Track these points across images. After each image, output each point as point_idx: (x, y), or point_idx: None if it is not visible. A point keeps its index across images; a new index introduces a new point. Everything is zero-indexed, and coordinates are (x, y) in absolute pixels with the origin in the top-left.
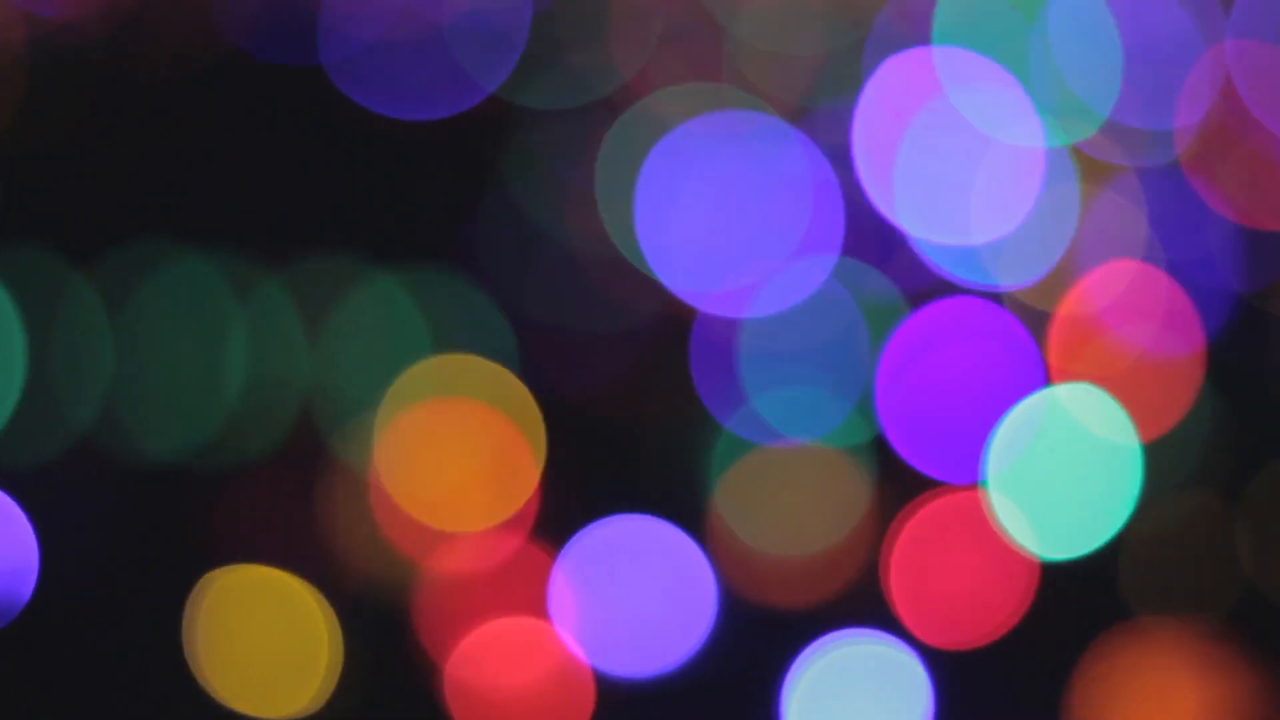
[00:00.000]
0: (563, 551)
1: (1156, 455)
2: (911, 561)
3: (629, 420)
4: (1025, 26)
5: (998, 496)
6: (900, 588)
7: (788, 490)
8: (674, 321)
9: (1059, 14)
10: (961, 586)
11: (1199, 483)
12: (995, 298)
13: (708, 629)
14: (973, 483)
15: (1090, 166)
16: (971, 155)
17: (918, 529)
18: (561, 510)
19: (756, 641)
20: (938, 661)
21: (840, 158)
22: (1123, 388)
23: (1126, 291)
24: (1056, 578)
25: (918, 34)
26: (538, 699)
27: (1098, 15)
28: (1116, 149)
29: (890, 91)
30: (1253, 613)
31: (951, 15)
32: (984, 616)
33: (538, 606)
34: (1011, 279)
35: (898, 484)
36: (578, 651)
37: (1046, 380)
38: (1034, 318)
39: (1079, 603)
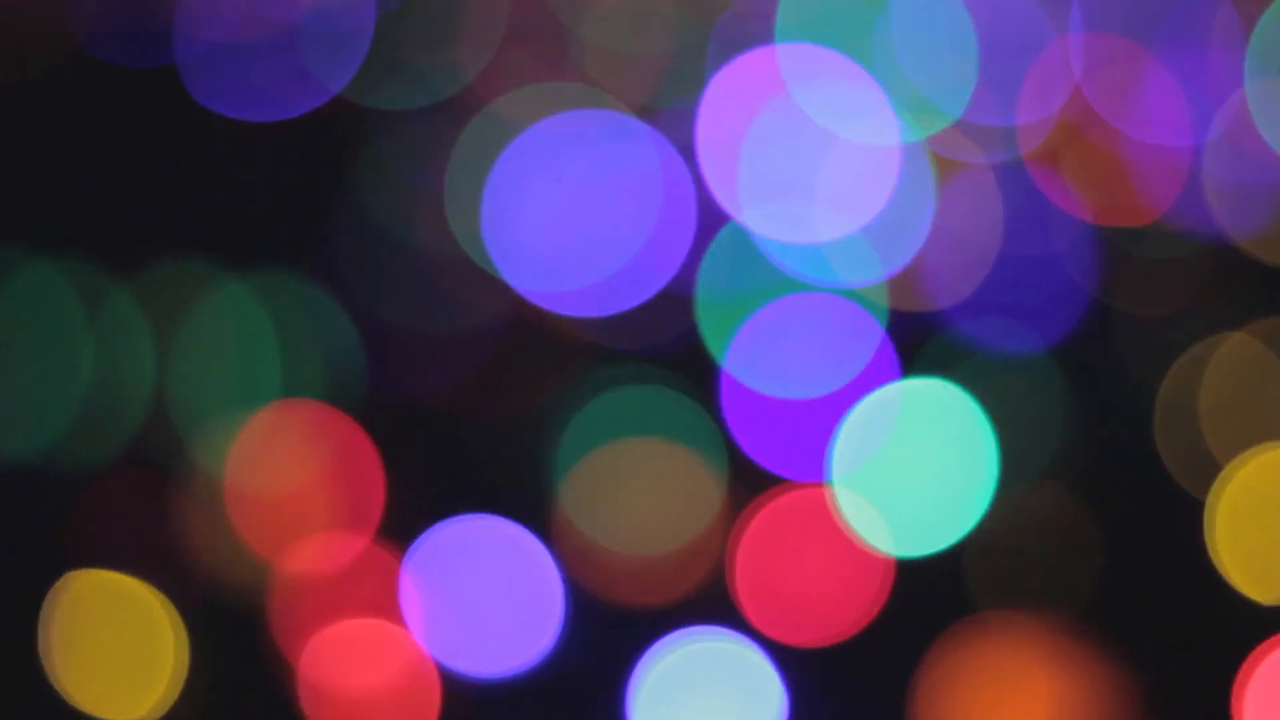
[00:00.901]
0: (409, 552)
1: (1011, 451)
2: (756, 559)
3: (475, 420)
4: (874, 22)
5: (844, 493)
6: (745, 586)
7: (634, 489)
8: (520, 321)
9: (909, 9)
10: (810, 584)
11: (1053, 478)
12: (844, 294)
13: (555, 629)
14: (820, 480)
15: (942, 163)
16: (818, 153)
17: (762, 527)
18: (408, 511)
19: (605, 641)
20: (791, 659)
21: (690, 155)
22: (976, 383)
23: (984, 287)
24: (911, 574)
25: (765, 31)
26: (386, 700)
27: (948, 10)
28: (967, 145)
29: (735, 89)
30: (1106, 608)
31: (798, 11)
32: (835, 614)
33: (385, 607)
34: (861, 275)
35: (745, 482)
36: (425, 652)
37: (896, 376)
38: (884, 314)
39: (934, 599)
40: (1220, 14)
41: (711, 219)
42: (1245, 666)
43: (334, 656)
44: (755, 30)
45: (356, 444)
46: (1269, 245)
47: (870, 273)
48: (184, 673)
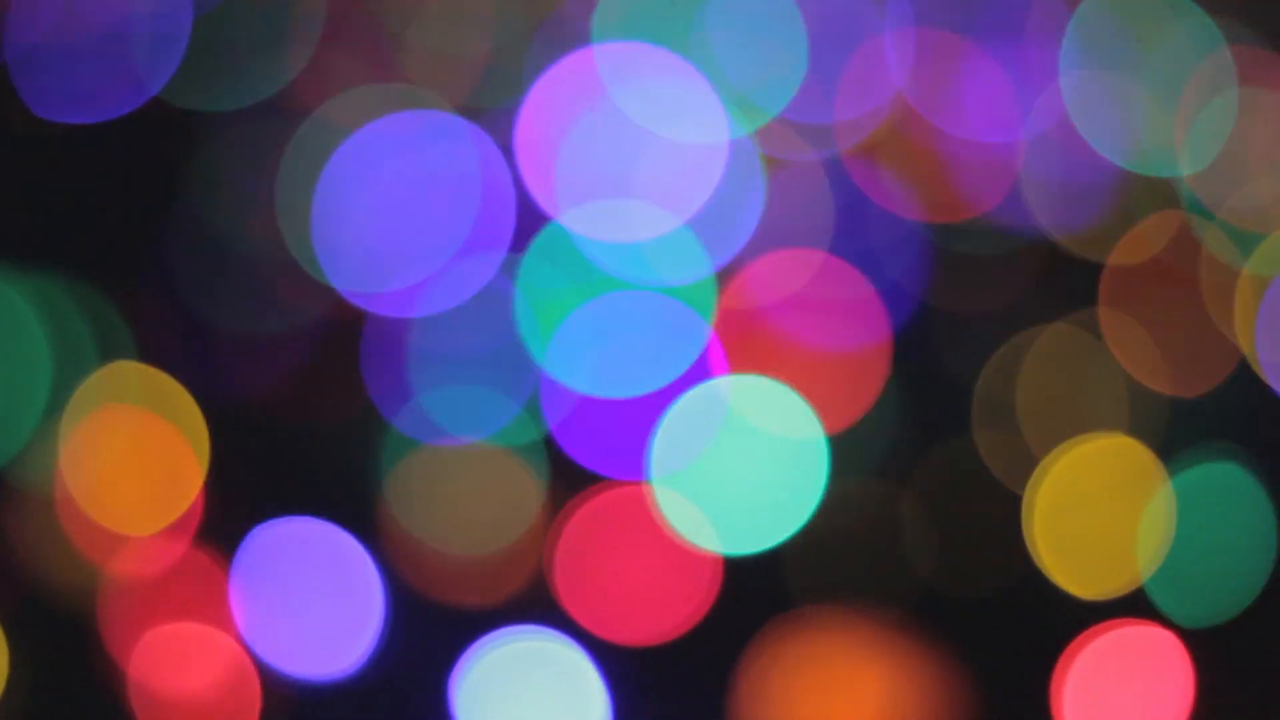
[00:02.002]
0: (231, 554)
1: (842, 448)
2: (576, 558)
3: (298, 421)
4: (697, 19)
5: (664, 491)
6: (566, 585)
7: (458, 489)
8: (342, 322)
9: (732, 6)
10: (631, 582)
11: (884, 475)
12: (666, 292)
13: (377, 630)
14: (642, 478)
15: (770, 160)
16: (640, 151)
17: (581, 526)
18: (230, 513)
19: (429, 641)
20: (614, 657)
21: (512, 154)
22: (804, 380)
23: (809, 284)
24: (741, 572)
25: (587, 30)
26: (206, 703)
27: (771, 7)
28: (792, 142)
29: (556, 89)
30: (929, 603)
31: (620, 10)
32: (658, 612)
33: (207, 610)
34: (684, 273)
35: (567, 481)
36: (246, 655)
37: (720, 374)
38: (708, 311)
39: (761, 596)
40: (1037, 10)
41: (532, 219)
42: (1063, 660)
43: (155, 660)
44: (578, 29)
45: (174, 447)
46: (1086, 241)
47: (694, 271)
48: (4, 675)
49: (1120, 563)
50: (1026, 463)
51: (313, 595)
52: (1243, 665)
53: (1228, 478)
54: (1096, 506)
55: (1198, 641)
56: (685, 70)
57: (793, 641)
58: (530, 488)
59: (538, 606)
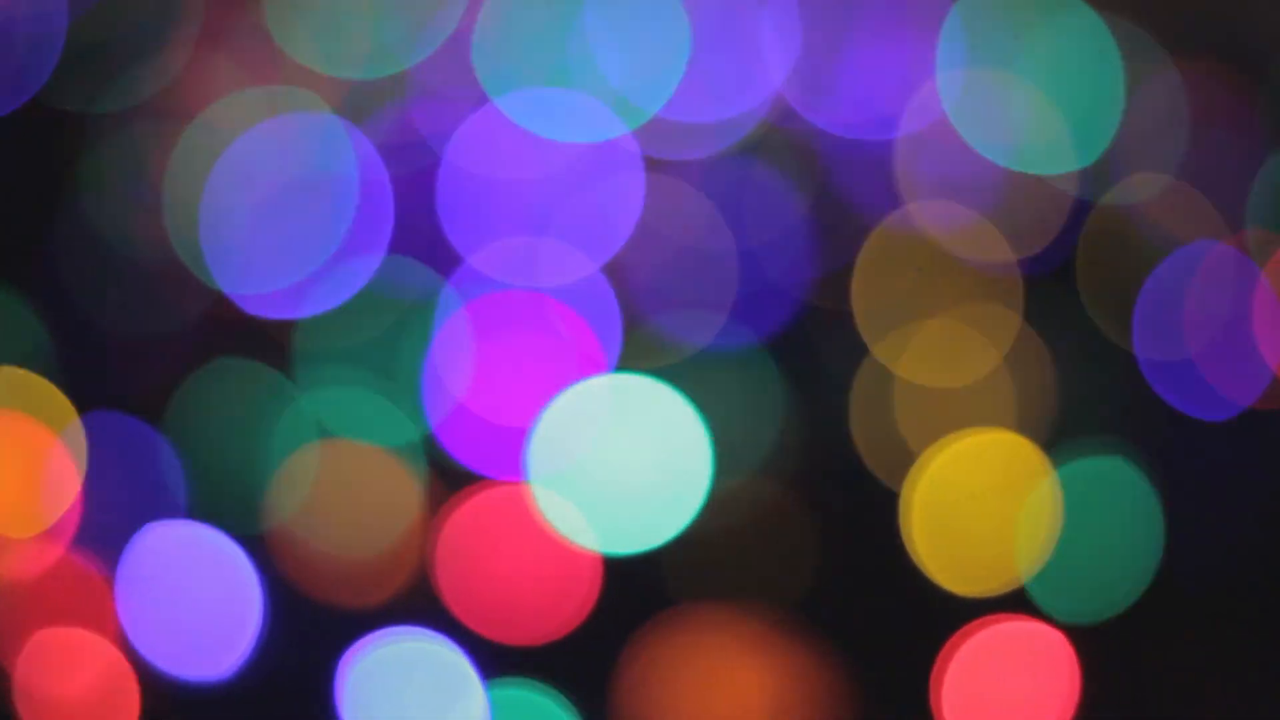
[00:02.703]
0: (110, 557)
1: (724, 446)
2: (457, 558)
3: (181, 422)
4: (579, 20)
5: (544, 491)
6: (448, 584)
7: (338, 489)
8: (223, 323)
9: (610, 6)
10: (514, 582)
11: (762, 474)
12: (546, 292)
13: (256, 632)
14: (522, 478)
15: (650, 159)
16: (519, 152)
17: (462, 525)
18: (109, 516)
19: (311, 642)
20: (496, 657)
21: (391, 156)
22: (687, 378)
23: (688, 282)
24: (622, 571)
25: (468, 31)
26: (84, 706)
27: (649, 7)
28: (675, 142)
29: (437, 90)
30: (816, 603)
31: (501, 10)
32: (542, 612)
33: (86, 612)
34: (567, 273)
35: (448, 481)
36: (124, 657)
37: (600, 373)
38: (593, 310)
39: (647, 595)
40: (916, 8)
41: (413, 220)
42: (941, 656)
43: (35, 663)
44: (459, 31)
45: (50, 450)
46: (964, 237)
47: (576, 270)
48: None
49: (1001, 560)
50: (905, 460)
51: (191, 597)
52: (1128, 661)
53: (1113, 474)
54: (976, 503)
55: (1082, 638)
56: (566, 71)
57: (674, 640)
58: (411, 488)
59: (420, 607)
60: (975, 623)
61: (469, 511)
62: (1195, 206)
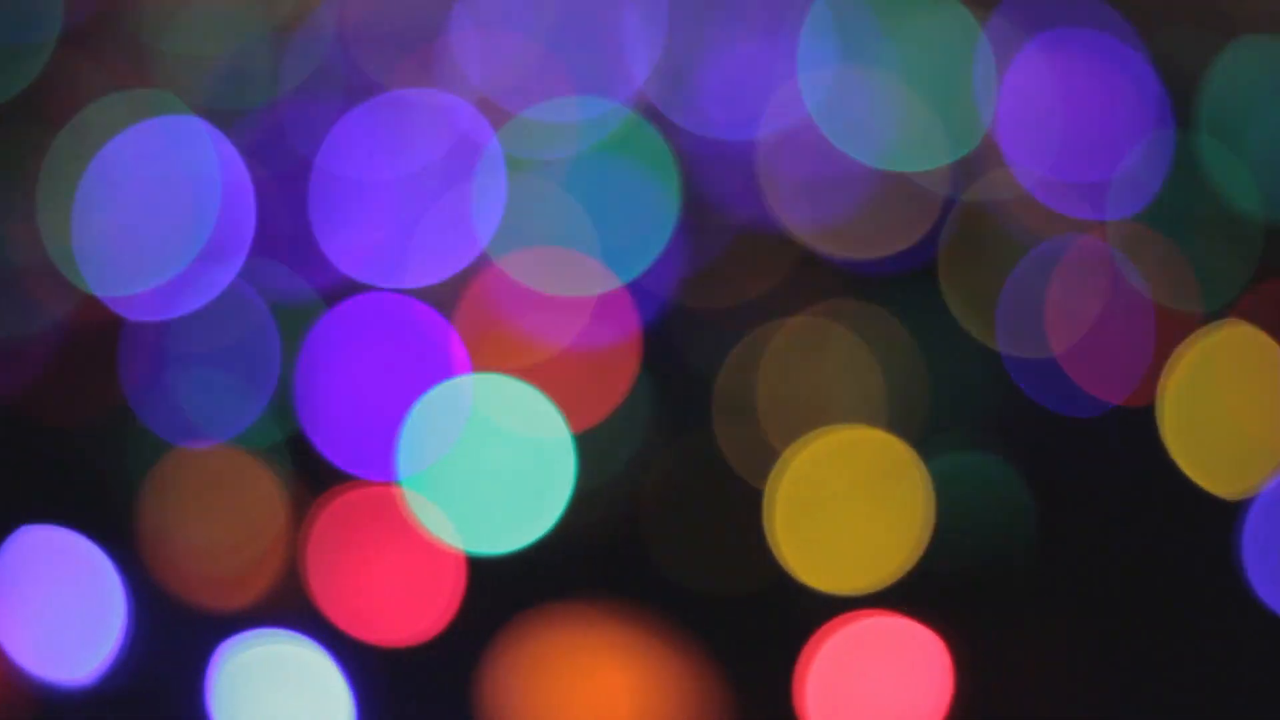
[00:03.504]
0: None
1: (591, 445)
2: (326, 559)
3: (44, 425)
4: (443, 21)
5: (413, 491)
6: (317, 585)
7: (206, 491)
8: (89, 325)
9: (473, 6)
10: (382, 582)
11: (630, 472)
12: (411, 293)
13: (121, 635)
14: (392, 478)
15: (513, 159)
16: (388, 153)
17: (330, 526)
18: None
19: (177, 643)
20: (366, 658)
21: (257, 158)
22: (550, 378)
23: (554, 283)
24: (490, 571)
25: (340, 32)
26: None
27: (516, 6)
28: (538, 141)
29: (308, 92)
30: (681, 601)
31: (368, 11)
32: (409, 612)
33: None
34: (429, 274)
35: (317, 482)
36: None
37: (465, 374)
38: (455, 311)
39: (513, 595)
40: (779, 7)
41: (279, 222)
42: (805, 653)
43: None
44: (324, 33)
45: None
46: (832, 236)
47: (440, 270)
48: None
49: (868, 556)
50: (770, 458)
51: (57, 600)
52: (999, 657)
53: (983, 470)
54: (840, 500)
55: (953, 633)
56: (432, 72)
57: (540, 640)
58: (279, 488)
59: (291, 607)
60: (839, 619)
61: (337, 512)
62: (1060, 201)
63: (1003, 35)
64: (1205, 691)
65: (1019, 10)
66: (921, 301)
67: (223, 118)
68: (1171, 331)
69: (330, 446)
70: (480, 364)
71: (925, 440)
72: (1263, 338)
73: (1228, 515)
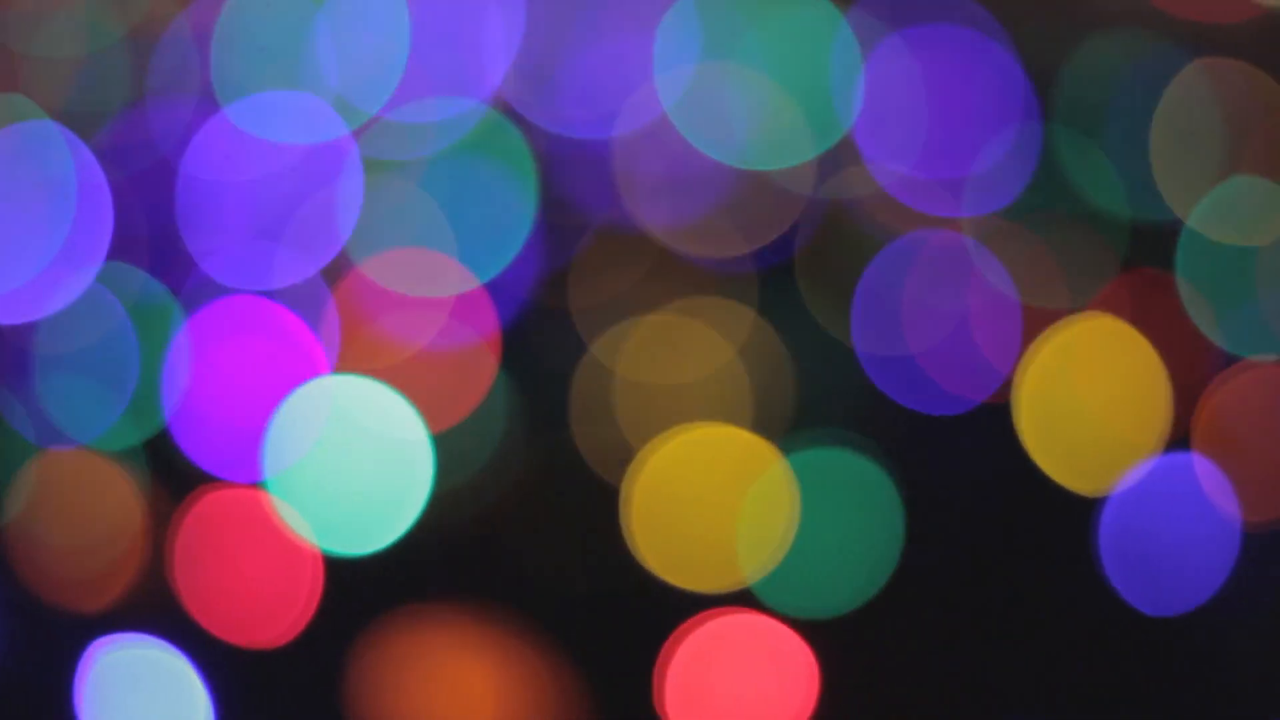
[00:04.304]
0: None
1: (449, 446)
2: (190, 561)
3: None
4: (301, 21)
5: (273, 493)
6: (182, 587)
7: (67, 493)
8: None
9: (334, 7)
10: (244, 584)
11: (488, 472)
12: (269, 295)
13: None
14: (256, 480)
15: (371, 160)
16: (242, 153)
17: (193, 528)
18: None
19: (38, 647)
20: (227, 660)
21: (114, 161)
22: (409, 379)
23: (412, 283)
24: (350, 573)
25: (197, 32)
26: None
27: (371, 6)
28: (396, 142)
29: (161, 94)
30: (541, 600)
31: (235, 15)
32: (271, 613)
33: None
34: (287, 276)
35: (180, 483)
36: None
37: (324, 375)
38: (314, 313)
39: (374, 595)
40: (633, 5)
41: (137, 225)
42: (664, 651)
43: None
44: (180, 34)
45: None
46: (685, 234)
47: (298, 272)
48: None
49: (728, 554)
50: (627, 456)
51: None
52: (861, 655)
53: (847, 468)
54: (699, 498)
55: (817, 632)
56: (286, 73)
57: (401, 641)
58: (136, 491)
59: (151, 610)
60: (698, 617)
61: (200, 513)
62: (920, 198)
63: (865, 30)
64: (1065, 686)
65: (882, 5)
66: (781, 299)
67: (81, 121)
68: (1034, 328)
69: (192, 448)
70: (340, 365)
71: (787, 438)
72: (1124, 328)
73: (1085, 511)
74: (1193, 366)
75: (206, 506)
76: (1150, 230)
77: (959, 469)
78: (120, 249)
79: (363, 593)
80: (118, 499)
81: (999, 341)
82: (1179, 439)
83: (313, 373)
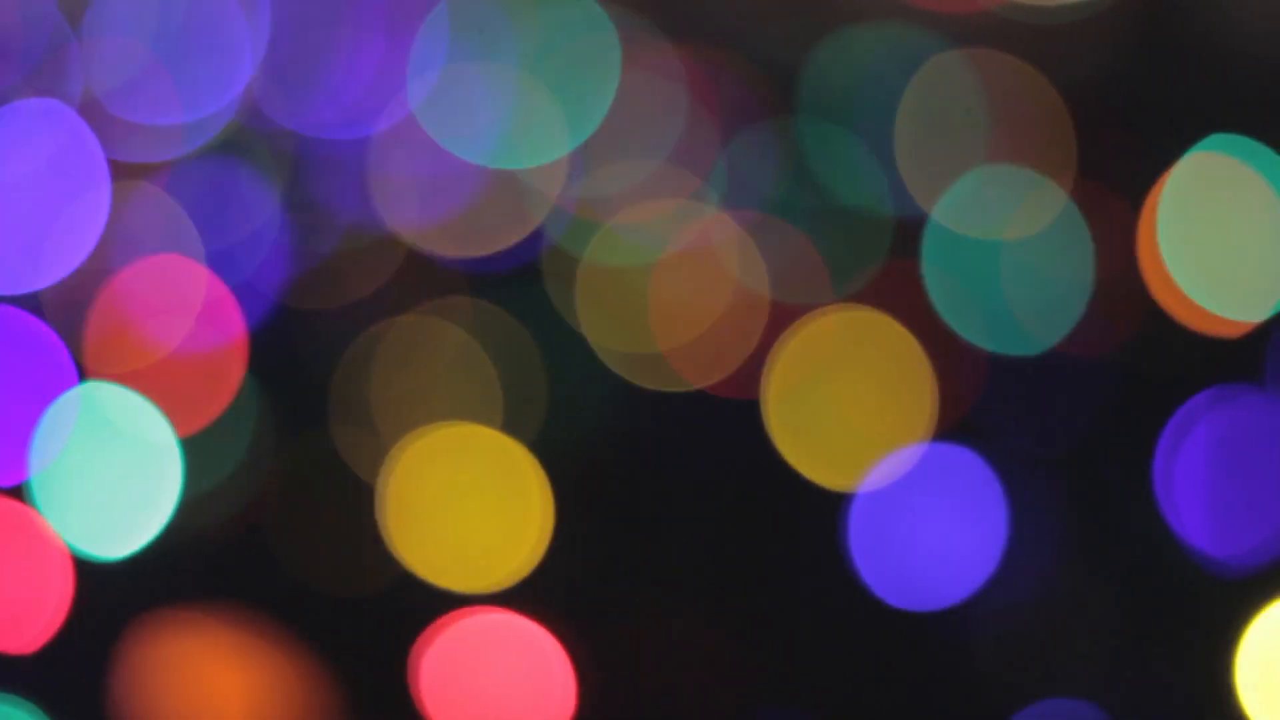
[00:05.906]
0: None
1: (199, 449)
2: None
3: None
4: (50, 27)
5: (23, 498)
6: None
7: None
8: None
9: (82, 13)
10: (10, 590)
11: (241, 475)
12: (13, 301)
13: None
14: (17, 485)
15: (118, 164)
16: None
17: None
18: None
19: None
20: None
21: None
22: (158, 383)
23: (161, 286)
24: (103, 577)
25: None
26: None
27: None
28: (142, 145)
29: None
30: (298, 601)
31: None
32: (24, 618)
33: None
34: (33, 282)
35: None
36: None
37: (72, 381)
38: (61, 318)
39: (127, 600)
40: (387, 6)
41: None
42: (417, 648)
43: None
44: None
45: None
46: (432, 234)
47: (45, 278)
48: None
49: (482, 553)
50: (383, 455)
51: None
52: (617, 654)
53: (598, 467)
54: (450, 496)
55: (571, 631)
56: (35, 77)
57: (155, 645)
58: None
59: None
60: (451, 615)
61: None
62: (675, 192)
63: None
64: (819, 680)
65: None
66: (531, 299)
67: None
68: (786, 323)
69: None
70: (87, 370)
71: (540, 438)
72: (880, 320)
73: (834, 506)
74: (950, 360)
75: None
76: (905, 224)
77: (710, 465)
78: None
79: (117, 597)
80: None
81: (749, 338)
82: (942, 432)
83: (59, 378)
